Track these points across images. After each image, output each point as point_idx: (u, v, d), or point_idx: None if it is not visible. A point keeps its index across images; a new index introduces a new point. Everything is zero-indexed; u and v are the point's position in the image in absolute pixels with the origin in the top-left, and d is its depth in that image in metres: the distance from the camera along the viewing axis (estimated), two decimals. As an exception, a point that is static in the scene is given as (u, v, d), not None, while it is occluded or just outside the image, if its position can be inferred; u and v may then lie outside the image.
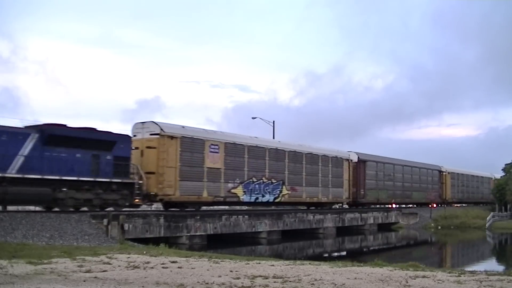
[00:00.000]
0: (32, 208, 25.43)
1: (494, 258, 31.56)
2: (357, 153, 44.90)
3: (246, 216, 29.60)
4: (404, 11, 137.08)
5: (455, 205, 62.39)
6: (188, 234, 25.58)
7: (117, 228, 21.13)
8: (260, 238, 30.53)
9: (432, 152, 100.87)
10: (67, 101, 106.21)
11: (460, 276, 11.61)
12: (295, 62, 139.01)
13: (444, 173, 60.24)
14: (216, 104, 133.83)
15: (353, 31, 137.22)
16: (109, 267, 12.02)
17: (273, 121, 47.88)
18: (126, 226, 21.95)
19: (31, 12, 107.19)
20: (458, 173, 64.24)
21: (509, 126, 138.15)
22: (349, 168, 42.62)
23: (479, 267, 21.27)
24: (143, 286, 9.47)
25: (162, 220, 24.28)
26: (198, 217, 26.48)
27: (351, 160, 43.30)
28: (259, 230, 30.44)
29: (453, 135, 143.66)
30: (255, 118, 47.88)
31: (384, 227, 44.37)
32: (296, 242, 32.31)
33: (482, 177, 70.69)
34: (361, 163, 45.00)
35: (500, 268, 22.76)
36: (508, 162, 61.74)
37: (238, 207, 35.42)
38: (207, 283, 9.79)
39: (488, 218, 49.02)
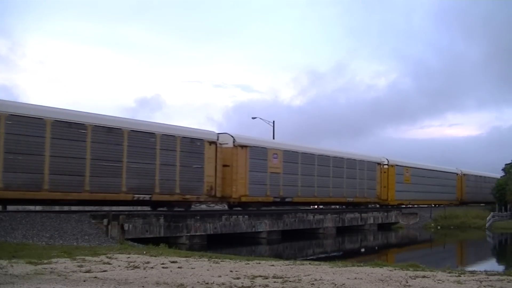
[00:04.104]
0: (32, 208, 25.50)
1: (494, 258, 31.55)
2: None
3: (246, 216, 29.62)
4: (407, 9, 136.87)
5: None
6: (188, 234, 25.59)
7: (117, 228, 21.13)
8: (260, 238, 30.54)
9: (434, 152, 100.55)
10: (67, 99, 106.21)
11: (460, 276, 11.62)
12: (297, 60, 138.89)
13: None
14: (217, 103, 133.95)
15: (356, 29, 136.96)
16: (109, 267, 12.03)
17: (273, 121, 47.96)
18: (126, 226, 21.95)
19: (33, 10, 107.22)
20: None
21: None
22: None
23: (479, 267, 21.24)
24: (143, 286, 9.47)
25: (162, 220, 24.29)
26: (198, 217, 26.50)
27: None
28: (259, 230, 30.45)
29: (455, 135, 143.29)
30: (255, 118, 47.86)
31: (384, 227, 44.38)
32: (296, 242, 32.33)
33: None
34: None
35: (500, 268, 22.71)
36: (508, 162, 61.67)
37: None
38: (207, 283, 9.79)
39: (488, 218, 49.00)
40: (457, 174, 62.03)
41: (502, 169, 62.50)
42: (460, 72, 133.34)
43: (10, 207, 22.80)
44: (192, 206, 30.62)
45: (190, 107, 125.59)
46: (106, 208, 27.62)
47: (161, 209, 26.99)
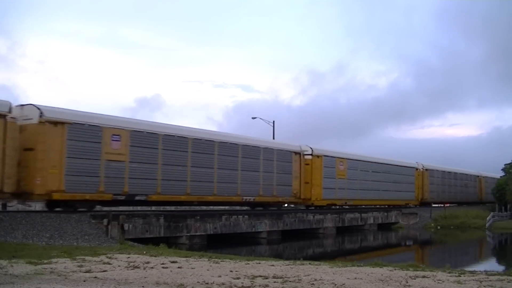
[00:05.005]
0: (32, 208, 25.47)
1: (494, 258, 31.54)
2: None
3: (246, 216, 29.62)
4: (408, 8, 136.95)
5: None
6: (188, 234, 25.59)
7: (117, 228, 21.13)
8: (260, 238, 30.55)
9: (434, 152, 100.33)
10: (67, 99, 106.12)
11: (460, 276, 11.62)
12: (297, 60, 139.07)
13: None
14: (217, 103, 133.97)
15: (356, 28, 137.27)
16: (109, 267, 12.03)
17: (273, 121, 47.84)
18: (126, 226, 21.97)
19: (33, 10, 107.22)
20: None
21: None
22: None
23: (479, 267, 21.25)
24: (143, 286, 9.47)
25: (162, 220, 24.30)
26: (198, 217, 26.50)
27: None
28: (259, 230, 30.45)
29: (456, 135, 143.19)
30: (255, 118, 47.82)
31: (384, 227, 44.37)
32: (296, 242, 32.32)
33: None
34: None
35: (500, 268, 22.74)
36: (508, 162, 61.69)
37: (238, 207, 35.43)
38: (207, 283, 9.79)
39: (488, 218, 49.01)
40: (416, 169, 53.05)
41: (502, 169, 62.52)
42: (461, 71, 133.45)
43: (10, 208, 22.71)
44: None
45: (190, 107, 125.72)
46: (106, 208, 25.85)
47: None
